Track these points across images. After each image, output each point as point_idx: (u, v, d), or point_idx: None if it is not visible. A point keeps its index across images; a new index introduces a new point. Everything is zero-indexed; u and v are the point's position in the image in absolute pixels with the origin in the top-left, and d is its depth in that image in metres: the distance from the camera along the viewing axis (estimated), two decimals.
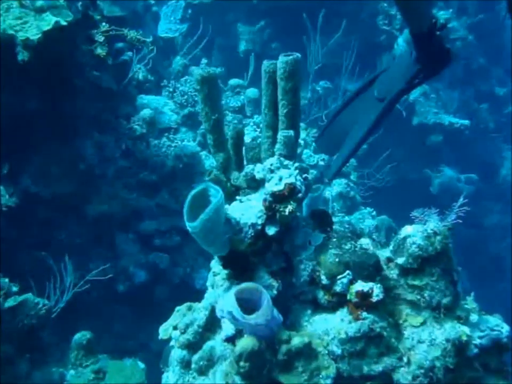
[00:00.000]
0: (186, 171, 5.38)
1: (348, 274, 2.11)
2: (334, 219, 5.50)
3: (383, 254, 2.28)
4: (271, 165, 2.13)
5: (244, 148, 2.30)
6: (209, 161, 5.74)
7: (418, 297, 2.13)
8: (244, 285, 2.07)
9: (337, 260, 2.13)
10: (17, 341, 3.13)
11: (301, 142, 6.12)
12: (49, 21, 3.66)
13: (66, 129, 4.90)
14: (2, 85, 4.36)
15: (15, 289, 3.19)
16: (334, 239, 2.21)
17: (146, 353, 5.23)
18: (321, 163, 6.03)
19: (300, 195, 2.11)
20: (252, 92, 6.22)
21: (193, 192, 2.09)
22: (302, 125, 6.50)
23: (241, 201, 2.20)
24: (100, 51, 4.27)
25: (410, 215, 2.14)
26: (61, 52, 4.29)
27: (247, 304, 2.09)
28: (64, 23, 3.72)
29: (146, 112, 5.80)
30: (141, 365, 3.28)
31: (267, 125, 2.29)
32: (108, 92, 5.42)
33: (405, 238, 2.16)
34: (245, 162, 2.33)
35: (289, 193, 2.07)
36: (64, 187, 4.86)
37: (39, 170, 4.77)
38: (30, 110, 4.56)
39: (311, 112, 7.19)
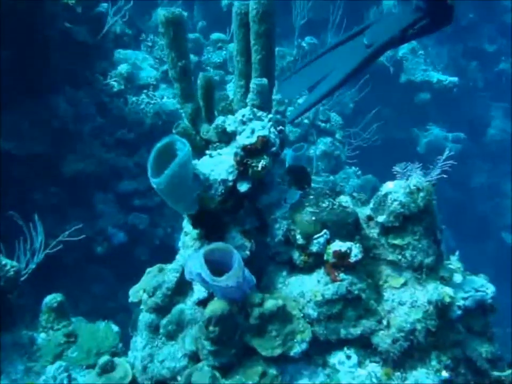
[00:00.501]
0: (166, 129, 5.17)
1: (325, 233, 1.97)
2: (318, 178, 5.41)
3: (363, 212, 2.14)
4: (243, 116, 1.97)
5: (214, 99, 2.13)
6: None
7: (400, 257, 2.01)
8: (214, 245, 1.94)
9: (313, 218, 1.99)
10: None
11: (286, 100, 5.93)
12: None
13: (38, 85, 4.67)
14: None
15: None
16: (311, 197, 2.06)
17: (125, 315, 5.13)
18: (306, 121, 5.85)
19: (273, 149, 1.95)
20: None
21: (158, 145, 1.93)
22: None
23: (211, 156, 2.04)
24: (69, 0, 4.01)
25: (392, 170, 2.00)
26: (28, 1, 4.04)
27: (218, 266, 1.96)
28: None
29: (123, 68, 5.57)
30: (115, 328, 3.16)
31: (239, 73, 2.12)
32: (83, 45, 5.18)
33: (386, 195, 2.02)
34: (216, 114, 2.15)
35: (262, 147, 1.91)
36: (37, 145, 4.67)
37: (11, 127, 4.56)
38: None
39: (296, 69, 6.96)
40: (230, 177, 1.95)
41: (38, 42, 4.46)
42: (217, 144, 2.09)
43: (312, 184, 2.24)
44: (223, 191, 1.95)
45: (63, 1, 4.11)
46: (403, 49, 7.44)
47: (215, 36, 6.39)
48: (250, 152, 1.91)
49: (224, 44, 6.33)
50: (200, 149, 2.14)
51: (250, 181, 1.96)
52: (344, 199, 2.12)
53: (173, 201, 1.94)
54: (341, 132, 6.14)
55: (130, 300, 2.88)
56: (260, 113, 1.99)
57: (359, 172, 5.94)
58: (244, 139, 1.92)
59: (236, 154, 1.94)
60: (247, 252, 2.01)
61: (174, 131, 2.14)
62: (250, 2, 1.96)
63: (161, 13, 1.93)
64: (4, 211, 4.64)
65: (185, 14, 1.94)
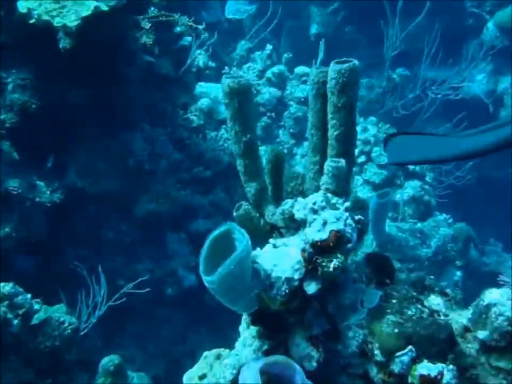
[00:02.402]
0: None
1: (410, 350, 1.61)
2: (405, 226, 4.97)
3: (459, 319, 1.76)
4: (314, 203, 1.66)
5: (283, 175, 1.83)
6: None
7: (505, 382, 1.62)
8: (273, 358, 1.63)
9: (396, 330, 1.63)
10: (38, 364, 2.83)
11: (371, 138, 5.56)
12: (89, 6, 3.29)
13: (115, 122, 4.58)
14: (45, 74, 4.08)
15: (37, 306, 2.88)
16: (394, 301, 1.71)
17: (193, 361, 4.92)
18: None
19: (349, 245, 1.62)
20: None
21: (213, 234, 1.65)
22: (373, 118, 5.92)
23: (275, 246, 1.73)
24: (146, 39, 3.88)
25: (498, 279, 1.61)
26: (107, 39, 3.93)
27: (278, 380, 1.65)
28: (105, 8, 3.34)
29: (204, 102, 5.41)
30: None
31: (314, 148, 1.81)
32: (165, 78, 5.08)
33: (488, 306, 1.64)
34: (284, 194, 1.86)
35: (335, 244, 1.59)
36: (111, 184, 4.56)
37: (85, 165, 4.49)
38: (75, 101, 4.26)
39: (385, 103, 6.58)
40: (296, 276, 1.64)
41: (115, 79, 4.35)
42: (284, 229, 1.79)
43: (397, 275, 1.88)
44: (287, 291, 1.64)
45: (139, 41, 3.95)
46: (505, 83, 6.86)
47: (299, 69, 6.12)
48: (320, 249, 1.59)
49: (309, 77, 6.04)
50: (263, 234, 1.85)
51: (320, 281, 1.64)
52: (435, 301, 1.77)
53: (227, 301, 1.65)
54: (431, 173, 5.67)
55: None
56: (334, 200, 1.67)
57: (450, 220, 5.44)
58: (314, 233, 1.61)
59: (303, 250, 1.63)
60: (314, 364, 1.68)
61: (234, 213, 1.86)
62: (329, 71, 1.66)
63: (225, 82, 1.66)
64: (76, 249, 4.58)
65: (252, 83, 1.65)
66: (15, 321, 2.68)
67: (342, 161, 1.67)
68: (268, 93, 5.88)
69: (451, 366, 1.60)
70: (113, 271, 4.75)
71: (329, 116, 1.70)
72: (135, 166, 4.60)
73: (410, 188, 5.37)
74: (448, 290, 1.90)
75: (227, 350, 2.41)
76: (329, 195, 1.68)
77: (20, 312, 2.76)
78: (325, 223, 1.62)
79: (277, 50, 6.80)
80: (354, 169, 4.91)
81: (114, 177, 4.57)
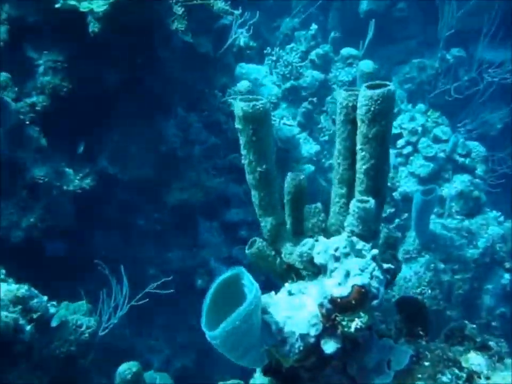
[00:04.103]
0: (280, 157, 4.69)
1: None
2: (451, 224, 4.66)
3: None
4: (337, 249, 1.42)
5: (304, 208, 1.60)
6: (308, 146, 5.03)
7: None
8: None
9: None
10: (53, 370, 2.73)
11: (419, 128, 5.21)
12: None
13: (149, 106, 4.39)
14: (77, 57, 3.92)
15: (52, 310, 2.76)
16: (427, 363, 1.48)
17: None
18: (442, 155, 5.10)
19: (375, 302, 1.39)
20: (366, 64, 5.32)
21: (219, 279, 1.46)
22: (421, 106, 5.55)
23: (290, 293, 1.52)
24: (178, 25, 3.64)
25: None
26: (139, 22, 3.72)
27: None
28: None
29: (243, 84, 5.16)
30: None
31: (340, 179, 1.57)
32: (203, 59, 4.84)
33: None
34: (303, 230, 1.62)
35: (359, 301, 1.36)
36: (143, 170, 4.41)
37: (117, 151, 4.34)
38: (108, 84, 4.09)
39: (437, 85, 6.18)
40: (312, 332, 1.43)
41: (150, 63, 4.15)
42: (303, 272, 1.57)
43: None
44: (301, 348, 1.43)
45: (171, 28, 3.73)
46: None
47: (345, 51, 5.77)
48: (341, 307, 1.37)
49: (355, 60, 5.69)
50: (279, 273, 1.63)
51: (339, 340, 1.42)
52: (476, 361, 1.53)
53: (232, 357, 1.45)
54: (483, 165, 5.30)
55: None
56: (360, 245, 1.43)
57: (501, 218, 5.07)
58: (334, 287, 1.38)
59: (321, 305, 1.41)
60: None
61: (246, 251, 1.65)
62: (359, 96, 1.40)
63: (238, 106, 1.43)
64: (105, 238, 4.47)
65: (269, 105, 1.42)
66: (28, 327, 2.56)
67: (371, 202, 1.43)
68: (310, 76, 5.57)
69: None
70: (144, 259, 4.65)
71: (359, 146, 1.46)
72: (168, 152, 4.42)
73: (458, 182, 5.03)
74: (491, 344, 1.65)
75: None
76: (354, 239, 1.44)
77: (35, 316, 2.65)
78: (347, 275, 1.39)
79: (323, 28, 6.45)
80: (399, 159, 4.63)
81: (147, 164, 4.41)
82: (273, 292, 1.56)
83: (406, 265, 4.66)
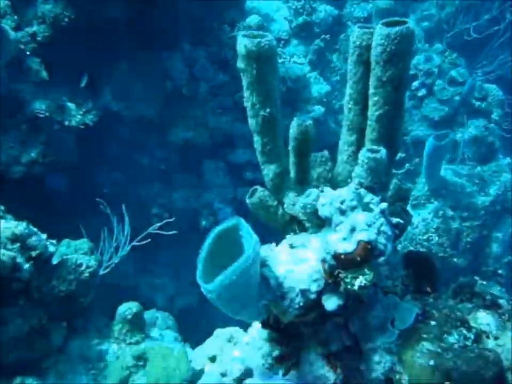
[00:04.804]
0: (289, 97, 4.54)
1: None
2: (462, 170, 4.54)
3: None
4: (342, 202, 1.33)
5: (310, 156, 1.49)
6: (318, 86, 4.84)
7: None
8: (278, 381, 1.38)
9: (432, 362, 1.34)
10: (52, 309, 2.70)
11: (435, 70, 5.00)
12: None
13: (155, 39, 4.21)
14: None
15: (52, 248, 2.70)
16: (433, 322, 1.41)
17: None
18: (457, 98, 4.91)
19: (381, 259, 1.30)
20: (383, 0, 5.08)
21: (217, 230, 1.37)
22: (439, 46, 5.31)
23: (292, 247, 1.43)
24: None
25: None
26: None
27: None
28: None
29: (253, 19, 4.94)
30: (190, 353, 2.76)
31: (350, 125, 1.45)
32: None
33: None
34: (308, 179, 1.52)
35: (364, 258, 1.27)
36: (147, 107, 4.28)
37: (121, 86, 4.20)
38: (113, 15, 3.90)
39: (456, 24, 5.90)
40: (314, 288, 1.35)
41: None
42: (306, 224, 1.47)
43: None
44: (301, 304, 1.36)
45: None
46: None
47: None
48: (344, 263, 1.28)
49: None
50: (282, 225, 1.54)
51: (342, 296, 1.34)
52: (485, 320, 1.45)
53: (228, 311, 1.38)
54: (499, 110, 5.11)
55: (192, 364, 2.45)
56: (368, 198, 1.33)
57: None
58: (338, 242, 1.29)
59: (323, 260, 1.32)
60: None
61: (247, 200, 1.55)
62: (375, 33, 1.27)
63: (241, 43, 1.30)
64: (108, 175, 4.39)
65: (275, 43, 1.29)
66: (26, 265, 2.51)
67: (382, 152, 1.32)
68: (323, 10, 5.30)
69: None
70: (148, 198, 4.58)
71: (371, 90, 1.33)
72: (173, 89, 4.28)
73: (473, 127, 4.86)
74: (502, 302, 1.57)
75: (240, 332, 2.20)
76: (362, 192, 1.34)
77: (33, 254, 2.60)
78: (353, 230, 1.30)
79: None
80: (412, 102, 4.46)
81: (151, 101, 4.28)
82: (273, 244, 1.47)
83: (414, 212, 4.57)
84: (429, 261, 1.58)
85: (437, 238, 4.45)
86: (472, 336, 1.39)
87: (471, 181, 4.60)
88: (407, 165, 4.95)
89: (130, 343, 2.84)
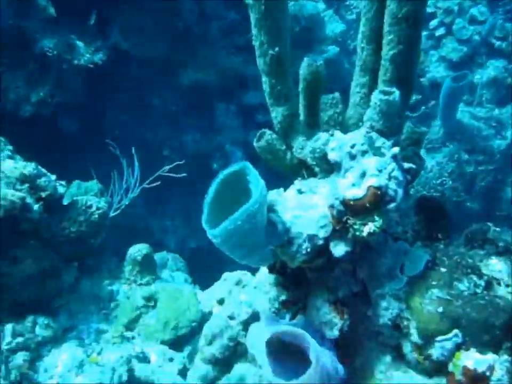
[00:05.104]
0: (302, 36, 4.41)
1: (456, 336, 1.31)
2: (480, 112, 4.43)
3: None
4: (353, 146, 1.28)
5: (320, 98, 1.43)
6: (333, 25, 4.68)
7: None
8: (283, 328, 1.37)
9: (440, 309, 1.32)
10: (63, 249, 2.71)
11: (455, 7, 4.79)
12: None
13: None
14: None
15: (61, 190, 2.69)
16: (443, 269, 1.38)
17: None
18: (477, 37, 4.73)
19: (392, 205, 1.26)
20: None
21: (222, 175, 1.34)
22: None
23: (300, 192, 1.39)
24: None
25: None
26: None
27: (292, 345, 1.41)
28: None
29: None
30: (200, 294, 2.77)
31: (363, 65, 1.39)
32: None
33: None
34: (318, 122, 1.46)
35: (373, 204, 1.23)
36: (157, 46, 4.17)
37: (130, 24, 4.08)
38: None
39: None
40: (321, 234, 1.32)
41: None
42: (315, 168, 1.43)
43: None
44: (308, 250, 1.33)
45: None
46: None
47: None
48: (353, 209, 1.25)
49: None
50: (290, 169, 1.50)
51: (350, 243, 1.32)
52: (497, 267, 1.43)
53: (235, 257, 1.37)
54: None
55: (200, 307, 2.46)
56: (379, 142, 1.28)
57: None
58: (347, 188, 1.25)
59: (332, 206, 1.29)
60: (336, 332, 1.41)
61: (255, 144, 1.51)
62: None
63: None
64: (117, 117, 4.34)
65: None
66: (36, 206, 2.50)
67: (396, 94, 1.26)
68: None
69: (505, 358, 1.29)
70: (158, 140, 4.53)
71: (386, 28, 1.26)
72: (184, 29, 4.15)
73: (492, 68, 4.70)
74: None
75: (248, 275, 2.20)
76: (373, 135, 1.29)
77: (43, 195, 2.59)
78: (363, 175, 1.25)
79: None
80: (430, 42, 4.31)
81: (161, 40, 4.17)
82: (281, 189, 1.43)
83: (429, 155, 4.49)
84: (441, 207, 1.54)
85: (450, 182, 4.38)
86: (483, 283, 1.37)
87: (488, 123, 4.49)
88: (423, 107, 4.82)
89: (140, 284, 2.86)
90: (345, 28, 4.91)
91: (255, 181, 1.29)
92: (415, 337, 1.35)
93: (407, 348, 1.40)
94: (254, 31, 1.33)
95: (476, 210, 4.44)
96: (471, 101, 4.66)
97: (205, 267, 4.18)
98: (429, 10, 4.88)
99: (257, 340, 1.39)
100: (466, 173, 4.39)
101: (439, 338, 1.32)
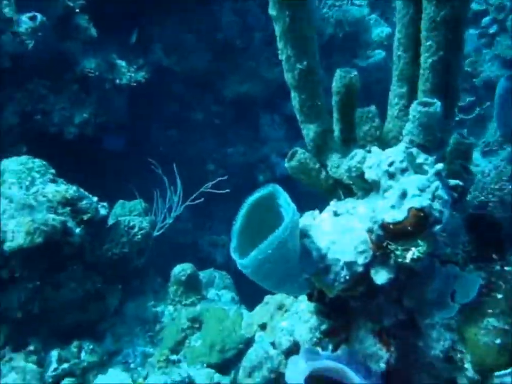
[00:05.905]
0: (347, 42, 4.29)
1: None
2: None
3: None
4: (391, 164, 1.17)
5: (355, 112, 1.32)
6: (379, 29, 4.53)
7: None
8: (324, 364, 1.27)
9: (498, 341, 1.19)
10: (106, 272, 2.68)
11: (507, 3, 4.56)
12: None
13: None
14: None
15: (103, 211, 2.66)
16: (500, 295, 1.24)
17: None
18: None
19: (437, 228, 1.14)
20: None
21: (252, 198, 1.25)
22: None
23: (336, 214, 1.29)
24: None
25: None
26: None
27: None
28: None
29: None
30: (246, 314, 2.69)
31: (400, 75, 1.27)
32: None
33: None
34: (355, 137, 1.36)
35: (416, 227, 1.12)
36: (199, 61, 4.14)
37: (172, 40, 4.07)
38: None
39: None
40: (360, 260, 1.21)
41: None
42: (353, 187, 1.33)
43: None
44: (347, 278, 1.22)
45: None
46: None
47: None
48: (393, 233, 1.14)
49: None
50: (325, 189, 1.40)
51: (393, 269, 1.20)
52: None
53: (268, 286, 1.27)
54: None
55: (242, 332, 2.37)
56: (421, 158, 1.17)
57: None
58: (386, 210, 1.14)
59: (370, 230, 1.18)
60: (382, 365, 1.30)
61: (286, 164, 1.41)
62: None
63: None
64: (163, 131, 4.33)
65: None
66: (77, 229, 2.48)
67: (436, 105, 1.14)
68: None
69: None
70: (203, 154, 4.50)
71: (423, 33, 1.15)
72: (225, 42, 4.11)
73: None
74: None
75: (290, 299, 2.10)
76: (414, 151, 1.17)
77: (85, 218, 2.57)
78: (403, 195, 1.14)
79: None
80: (483, 40, 4.12)
81: (203, 54, 4.14)
82: (316, 211, 1.33)
83: (485, 159, 4.28)
84: (495, 223, 1.40)
85: (510, 187, 4.14)
86: None
87: None
88: (477, 109, 4.61)
89: (185, 305, 2.81)
90: (392, 31, 4.75)
91: (286, 205, 1.20)
92: (470, 372, 1.22)
93: (462, 380, 1.27)
94: (279, 44, 1.24)
95: None
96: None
97: (252, 282, 4.09)
98: (479, 7, 4.68)
99: (296, 376, 1.28)
100: None
101: (497, 373, 1.18)
